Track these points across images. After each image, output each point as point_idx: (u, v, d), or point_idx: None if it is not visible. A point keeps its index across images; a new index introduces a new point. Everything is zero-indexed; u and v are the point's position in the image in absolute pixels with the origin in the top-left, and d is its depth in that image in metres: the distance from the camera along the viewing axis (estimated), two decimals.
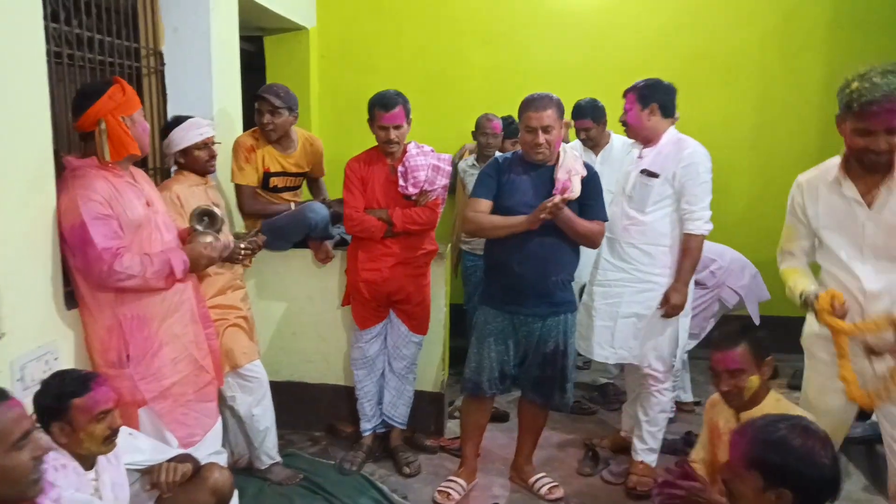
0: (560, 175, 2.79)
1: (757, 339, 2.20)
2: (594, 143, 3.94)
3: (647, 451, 3.16)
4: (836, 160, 2.31)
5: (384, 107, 3.09)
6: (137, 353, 2.32)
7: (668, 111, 3.00)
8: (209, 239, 2.51)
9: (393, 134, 3.11)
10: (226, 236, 2.72)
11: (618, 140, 3.95)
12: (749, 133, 4.79)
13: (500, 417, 3.76)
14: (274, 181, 3.39)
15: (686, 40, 4.70)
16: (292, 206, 3.40)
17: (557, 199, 2.68)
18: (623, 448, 3.44)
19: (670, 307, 2.97)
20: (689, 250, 2.95)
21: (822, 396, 2.36)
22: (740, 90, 4.73)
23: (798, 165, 4.69)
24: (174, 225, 2.55)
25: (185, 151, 2.85)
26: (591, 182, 2.85)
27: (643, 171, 2.98)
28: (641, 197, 2.99)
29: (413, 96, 3.27)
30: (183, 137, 2.84)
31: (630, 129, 3.10)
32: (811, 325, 2.38)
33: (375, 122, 3.13)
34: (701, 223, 2.93)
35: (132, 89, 2.35)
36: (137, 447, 2.16)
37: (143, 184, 2.44)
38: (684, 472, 2.21)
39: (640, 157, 3.04)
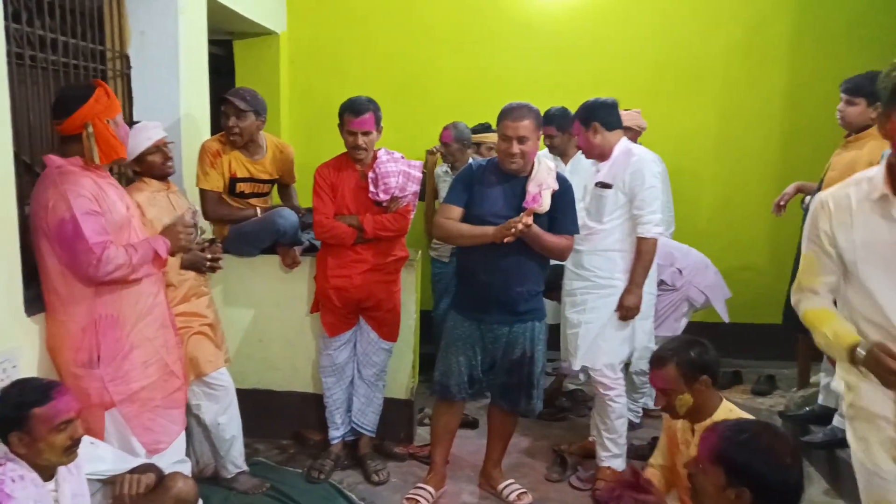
0: (531, 188, 2.81)
1: (687, 358, 2.19)
2: (560, 151, 3.95)
3: (611, 457, 3.20)
4: (871, 172, 1.87)
5: (354, 112, 3.08)
6: (108, 354, 2.30)
7: (611, 125, 3.09)
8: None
9: (361, 140, 3.09)
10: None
11: None
12: (714, 143, 4.88)
13: (469, 424, 3.77)
14: (241, 187, 3.35)
15: (653, 51, 4.78)
16: (258, 211, 3.36)
17: (520, 225, 2.68)
18: (591, 454, 3.46)
19: (624, 309, 3.05)
20: (640, 253, 3.04)
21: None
22: (706, 101, 4.82)
23: (761, 175, 4.86)
24: (144, 230, 2.53)
25: (139, 158, 2.80)
26: (564, 196, 2.87)
27: (597, 184, 3.09)
28: (598, 208, 3.10)
29: (384, 102, 3.27)
30: (134, 145, 2.77)
31: (586, 153, 3.20)
32: (858, 382, 1.91)
33: (345, 126, 3.12)
34: (650, 226, 3.01)
35: (113, 93, 2.36)
36: (99, 456, 2.12)
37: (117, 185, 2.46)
38: (636, 482, 2.24)
39: (597, 171, 3.14)
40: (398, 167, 3.18)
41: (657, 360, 2.24)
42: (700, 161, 4.85)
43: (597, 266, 3.10)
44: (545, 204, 2.79)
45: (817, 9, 4.69)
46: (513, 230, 2.68)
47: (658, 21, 4.77)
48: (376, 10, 4.95)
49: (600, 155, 3.12)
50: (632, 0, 4.79)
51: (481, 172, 2.92)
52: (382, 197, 3.16)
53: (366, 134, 3.10)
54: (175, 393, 2.51)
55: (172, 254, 2.45)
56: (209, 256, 2.83)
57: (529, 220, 2.70)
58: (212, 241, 2.97)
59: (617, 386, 3.15)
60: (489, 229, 2.77)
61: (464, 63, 4.92)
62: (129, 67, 3.26)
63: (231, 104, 3.22)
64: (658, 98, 4.70)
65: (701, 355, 2.20)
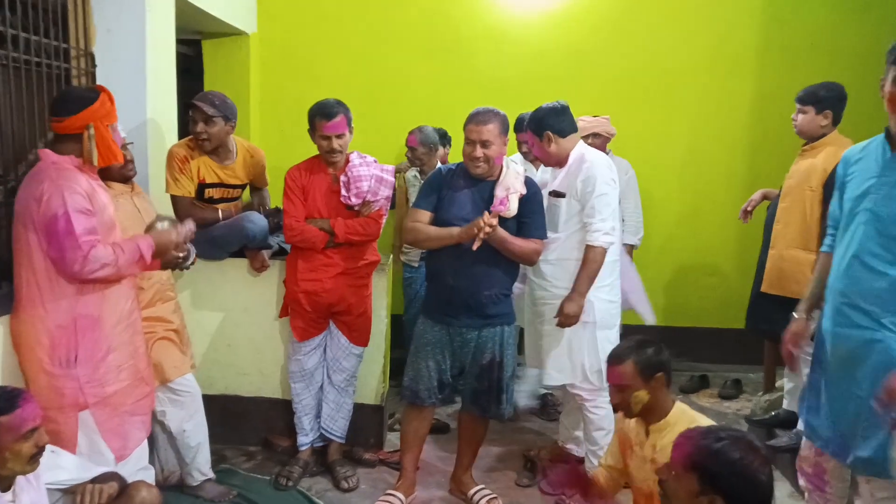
0: (499, 192, 2.82)
1: (646, 357, 2.21)
2: (534, 157, 3.94)
3: (593, 469, 3.17)
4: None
5: (326, 116, 3.05)
6: (86, 355, 2.28)
7: (563, 131, 3.02)
8: (166, 224, 2.51)
9: (336, 143, 3.07)
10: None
11: None
12: (683, 151, 4.94)
13: (440, 429, 3.75)
14: (209, 192, 3.28)
15: (624, 60, 4.83)
16: (220, 213, 3.28)
17: (486, 227, 2.67)
18: (561, 458, 3.47)
19: (563, 316, 2.94)
20: (586, 262, 2.93)
21: None
22: (675, 110, 4.88)
23: (728, 182, 4.94)
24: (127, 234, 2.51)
25: None
26: (532, 200, 2.88)
27: (551, 193, 3.06)
28: (552, 217, 3.04)
29: (355, 106, 3.25)
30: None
31: (544, 163, 3.16)
32: None
33: (317, 131, 3.09)
34: (599, 234, 2.91)
35: (114, 101, 2.39)
36: (59, 465, 2.06)
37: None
38: (582, 479, 2.27)
39: (553, 179, 3.12)
40: (371, 171, 3.16)
41: (615, 357, 2.25)
42: (669, 169, 4.91)
43: (554, 276, 3.05)
44: (512, 208, 2.80)
45: (782, 22, 4.78)
46: (477, 231, 2.67)
47: (628, 30, 4.83)
48: (348, 13, 4.93)
49: (558, 163, 3.08)
50: (601, 9, 4.83)
51: (450, 177, 2.92)
52: (354, 201, 3.14)
53: (339, 137, 3.08)
54: (143, 399, 2.49)
55: (157, 256, 2.40)
56: (180, 255, 2.75)
57: (494, 221, 2.70)
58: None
59: (594, 397, 3.09)
60: (454, 230, 2.78)
61: (435, 68, 4.91)
62: (94, 66, 3.19)
63: (199, 109, 3.13)
64: (628, 106, 4.75)
65: (657, 354, 2.23)
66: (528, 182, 2.90)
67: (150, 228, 2.50)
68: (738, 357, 4.81)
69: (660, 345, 2.27)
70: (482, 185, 2.87)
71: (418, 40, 4.92)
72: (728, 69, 4.84)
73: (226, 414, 3.45)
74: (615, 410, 2.31)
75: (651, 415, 2.24)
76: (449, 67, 4.92)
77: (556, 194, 3.04)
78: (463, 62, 4.91)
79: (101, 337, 2.31)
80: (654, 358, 2.21)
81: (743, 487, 1.60)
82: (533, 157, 3.99)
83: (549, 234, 3.02)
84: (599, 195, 2.92)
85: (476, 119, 2.79)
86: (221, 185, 3.30)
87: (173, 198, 3.24)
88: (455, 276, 2.84)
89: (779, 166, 4.69)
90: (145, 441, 2.54)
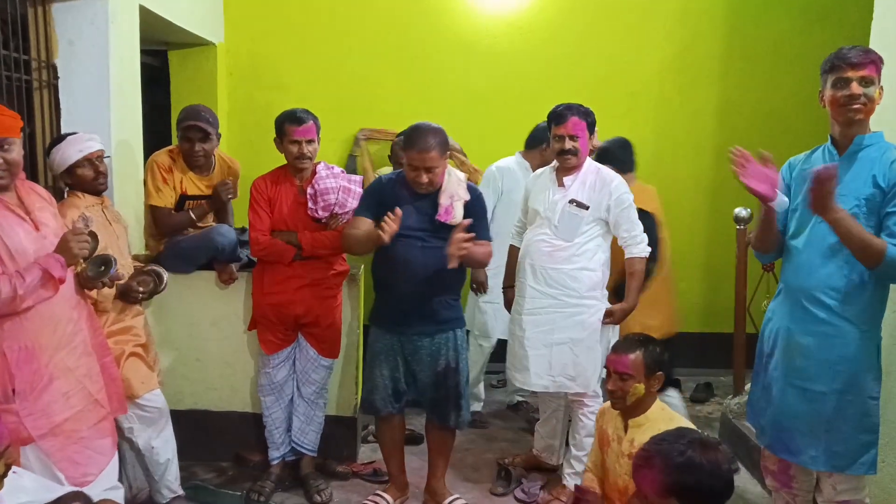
0: (443, 200, 2.82)
1: (653, 354, 2.30)
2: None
3: (573, 475, 3.18)
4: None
5: (296, 121, 3.04)
6: (24, 388, 2.14)
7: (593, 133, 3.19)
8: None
9: (305, 149, 3.06)
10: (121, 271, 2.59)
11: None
12: (650, 158, 4.97)
13: (413, 440, 3.73)
14: (189, 204, 3.27)
15: (590, 69, 4.88)
16: (191, 213, 3.25)
17: (461, 252, 2.66)
18: (535, 466, 3.48)
19: (612, 318, 3.10)
20: (635, 273, 3.08)
21: None
22: (641, 117, 4.94)
23: (695, 188, 5.01)
24: None
25: (70, 171, 2.69)
26: (476, 205, 2.90)
27: (572, 202, 3.06)
28: (570, 227, 3.06)
29: (324, 116, 3.24)
30: (63, 157, 2.67)
31: (577, 161, 3.09)
32: None
33: (286, 137, 3.07)
34: (644, 245, 3.07)
35: (11, 113, 2.18)
36: (21, 486, 1.99)
37: (35, 204, 2.26)
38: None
39: (560, 185, 3.11)
40: (338, 182, 3.14)
41: (626, 346, 2.32)
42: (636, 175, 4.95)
43: (565, 285, 3.06)
44: (458, 216, 2.81)
45: (745, 30, 4.87)
46: (455, 252, 2.66)
47: (594, 40, 4.88)
48: (316, 22, 4.91)
49: (578, 165, 3.11)
50: (568, 19, 4.88)
51: (391, 186, 2.91)
52: (321, 214, 3.11)
53: (309, 143, 3.07)
54: (102, 422, 2.37)
55: (70, 264, 2.23)
56: (141, 289, 2.76)
57: (470, 235, 2.69)
58: (150, 272, 2.87)
59: (594, 403, 3.11)
60: (372, 230, 2.75)
61: (403, 77, 4.92)
62: (56, 78, 3.13)
63: (198, 129, 3.13)
64: (596, 113, 4.79)
65: (662, 354, 2.32)
66: (470, 187, 2.92)
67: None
68: (708, 360, 4.86)
69: (664, 347, 2.35)
70: (426, 195, 2.87)
71: (387, 50, 4.92)
72: (692, 77, 4.92)
73: (195, 429, 3.39)
74: (609, 397, 2.35)
75: (634, 410, 2.30)
76: (417, 77, 4.93)
77: (579, 205, 3.05)
78: (431, 71, 4.92)
79: (39, 367, 2.17)
80: (660, 357, 2.30)
81: (718, 486, 1.69)
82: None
83: (561, 242, 3.06)
84: (628, 206, 3.06)
85: (418, 146, 2.74)
86: (202, 196, 3.29)
87: (153, 208, 3.20)
88: (406, 282, 2.81)
89: None
90: (115, 460, 2.47)
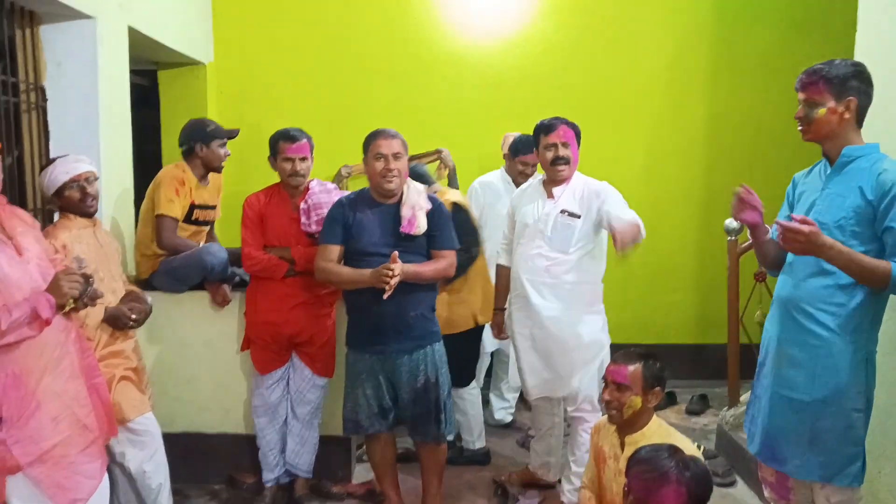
0: (405, 212, 2.83)
1: (653, 367, 2.30)
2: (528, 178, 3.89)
3: (573, 491, 3.16)
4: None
5: (289, 139, 3.07)
6: (12, 415, 2.10)
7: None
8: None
9: (299, 166, 3.07)
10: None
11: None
12: (640, 170, 5.02)
13: (408, 458, 3.69)
14: (197, 213, 3.37)
15: (580, 82, 4.90)
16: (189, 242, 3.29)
17: (394, 280, 2.67)
18: (532, 483, 3.45)
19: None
20: (629, 219, 2.84)
21: None
22: (631, 131, 4.97)
23: (686, 200, 5.02)
24: (53, 270, 2.35)
25: (59, 193, 2.67)
26: (438, 213, 2.90)
27: (563, 212, 3.05)
28: (564, 237, 3.04)
29: (316, 133, 3.24)
30: (52, 179, 2.65)
31: (568, 171, 3.09)
32: None
33: (280, 154, 3.08)
34: (632, 214, 2.88)
35: None
36: None
37: (17, 228, 2.23)
38: None
39: (550, 196, 3.10)
40: (331, 198, 3.14)
41: (630, 357, 2.31)
42: (627, 188, 4.85)
43: (565, 299, 3.04)
44: (421, 225, 2.82)
45: (732, 43, 4.91)
46: (388, 281, 2.66)
47: (583, 53, 4.91)
48: (307, 40, 4.93)
49: (569, 176, 3.10)
50: (557, 35, 4.91)
51: (352, 205, 2.91)
52: (315, 228, 3.11)
53: (303, 160, 3.09)
54: (91, 446, 2.33)
55: (61, 306, 2.19)
56: (133, 316, 2.73)
57: (397, 267, 2.68)
58: (134, 298, 2.84)
59: (593, 418, 3.07)
60: (366, 273, 2.75)
61: (395, 94, 4.93)
62: (44, 100, 3.13)
63: (225, 141, 3.37)
64: (585, 128, 4.75)
65: (662, 370, 2.32)
66: (431, 198, 2.94)
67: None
68: (703, 372, 4.86)
69: (664, 364, 2.35)
70: (387, 208, 2.87)
71: (377, 66, 4.93)
72: (680, 89, 4.95)
73: (188, 452, 3.35)
74: (606, 408, 2.34)
75: (631, 426, 2.29)
76: (408, 93, 4.94)
77: (571, 214, 3.03)
78: (422, 87, 4.93)
79: (26, 393, 2.12)
80: (659, 372, 2.30)
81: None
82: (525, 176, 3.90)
83: (557, 254, 3.04)
84: (614, 193, 3.05)
85: (383, 135, 2.86)
86: (205, 206, 3.41)
87: (160, 218, 3.20)
88: (378, 302, 2.77)
89: (734, 182, 4.76)
90: (105, 486, 2.44)
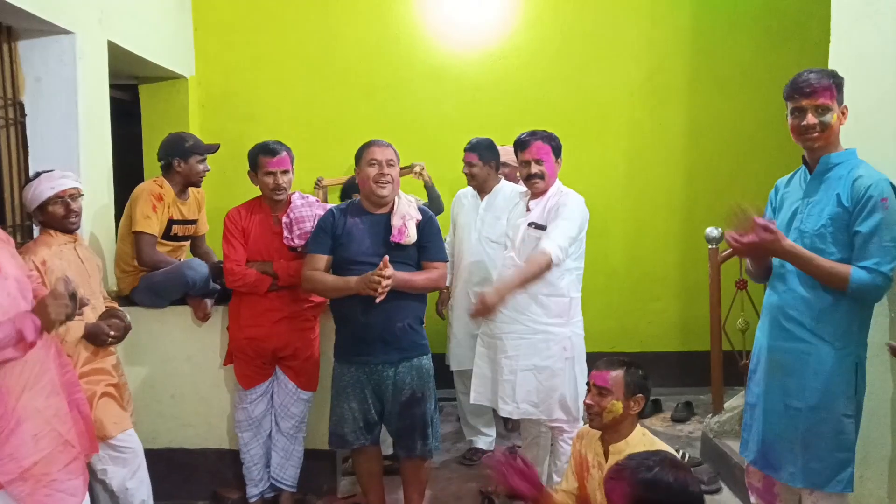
0: (395, 221, 2.84)
1: (635, 374, 2.31)
2: (477, 182, 3.84)
3: None
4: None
5: (270, 152, 3.06)
6: None
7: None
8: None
9: (281, 179, 3.07)
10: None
11: (507, 187, 3.86)
12: (622, 180, 5.06)
13: (395, 470, 3.67)
14: (175, 229, 3.34)
15: (560, 94, 4.94)
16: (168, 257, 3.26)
17: (384, 282, 2.65)
18: (518, 494, 3.44)
19: (481, 305, 2.79)
20: (532, 261, 2.85)
21: None
22: (612, 141, 5.00)
23: (668, 209, 5.06)
24: (32, 288, 2.32)
25: (41, 208, 2.66)
26: (428, 225, 2.91)
27: (531, 224, 3.06)
28: (529, 249, 3.02)
29: (298, 147, 3.25)
30: (35, 194, 2.64)
31: (545, 186, 3.07)
32: None
33: (261, 168, 3.08)
34: (555, 247, 2.83)
35: None
36: None
37: None
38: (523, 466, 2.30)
39: (528, 209, 3.11)
40: (313, 211, 3.14)
41: (611, 362, 2.33)
42: (609, 198, 5.00)
43: (531, 311, 3.03)
44: (411, 235, 2.82)
45: (710, 53, 4.97)
46: (378, 283, 2.65)
47: (564, 65, 4.95)
48: (288, 54, 4.93)
49: (546, 189, 3.08)
50: (537, 47, 4.95)
51: (342, 216, 2.91)
52: (297, 242, 3.10)
53: (284, 173, 3.08)
54: (72, 463, 2.31)
55: (47, 329, 2.17)
56: (112, 333, 2.71)
57: (389, 270, 2.68)
58: (113, 314, 2.82)
59: (572, 428, 3.07)
60: (351, 280, 2.74)
61: (375, 107, 4.94)
62: (23, 115, 3.11)
63: (206, 158, 3.36)
64: (567, 139, 4.78)
65: (645, 378, 2.33)
66: (421, 209, 2.95)
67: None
68: (687, 380, 4.89)
69: (647, 374, 2.36)
70: (377, 218, 2.87)
71: (358, 80, 4.94)
72: (661, 100, 5.00)
73: (171, 468, 3.32)
74: (587, 412, 2.33)
75: (614, 434, 2.30)
76: (389, 106, 4.95)
77: (537, 226, 3.02)
78: (403, 100, 4.95)
79: (6, 411, 2.11)
80: (642, 380, 2.31)
81: (681, 502, 1.70)
82: (478, 184, 3.86)
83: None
84: (567, 210, 2.95)
85: (376, 143, 2.89)
86: (184, 221, 3.38)
87: (138, 235, 3.19)
88: (365, 312, 2.77)
89: (714, 190, 4.88)
90: (86, 500, 2.41)
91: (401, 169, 2.99)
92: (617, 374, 2.28)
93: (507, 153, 3.82)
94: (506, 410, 3.11)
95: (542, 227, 3.02)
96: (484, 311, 2.80)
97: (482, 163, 3.77)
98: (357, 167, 2.91)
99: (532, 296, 3.02)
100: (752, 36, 4.95)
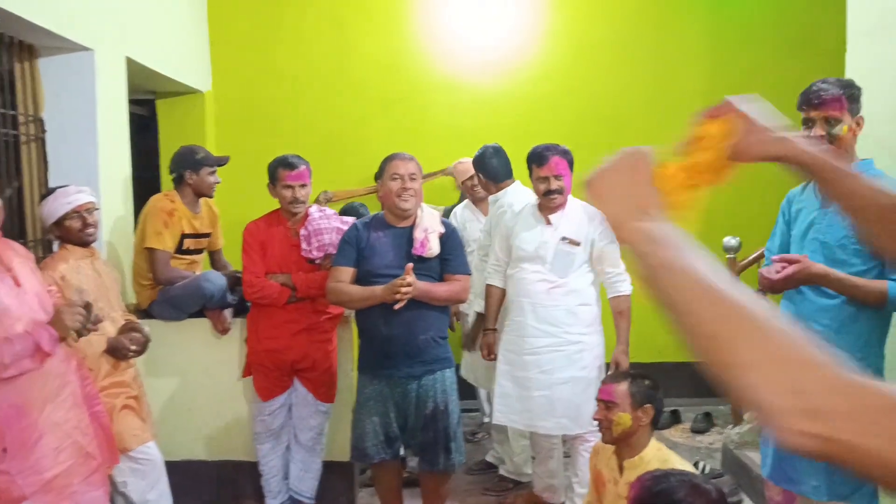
0: (417, 234, 2.84)
1: (641, 385, 2.30)
2: (480, 196, 3.86)
3: None
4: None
5: (288, 166, 3.08)
6: (15, 446, 2.10)
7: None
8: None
9: (299, 192, 3.09)
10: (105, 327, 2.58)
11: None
12: None
13: (414, 483, 3.65)
14: (187, 243, 3.34)
15: (575, 106, 4.94)
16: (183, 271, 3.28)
17: (404, 288, 2.66)
18: None
19: (621, 368, 3.02)
20: (624, 311, 3.09)
21: None
22: None
23: (683, 218, 5.02)
24: (52, 303, 2.35)
25: (58, 223, 2.69)
26: (451, 238, 2.92)
27: (564, 239, 3.08)
28: (564, 263, 3.07)
29: (314, 160, 3.26)
30: (52, 209, 2.67)
31: (562, 200, 3.12)
32: None
33: (280, 182, 3.10)
34: (629, 282, 3.06)
35: None
36: None
37: (13, 261, 2.23)
38: None
39: (548, 222, 3.12)
40: (331, 224, 3.16)
41: (616, 376, 2.36)
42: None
43: (563, 322, 3.04)
44: (433, 248, 2.82)
45: (726, 64, 4.95)
46: (400, 291, 2.66)
47: (578, 76, 4.96)
48: (303, 67, 4.97)
49: (563, 203, 3.13)
50: (551, 59, 4.96)
51: (366, 229, 2.92)
52: (316, 254, 3.12)
53: (302, 186, 3.10)
54: (94, 475, 2.33)
55: (62, 337, 2.22)
56: (133, 347, 2.73)
57: (410, 277, 2.68)
58: (132, 328, 2.83)
59: (595, 439, 3.05)
60: (377, 289, 2.75)
61: (391, 119, 4.96)
62: (43, 131, 3.15)
63: (216, 170, 3.35)
64: (581, 150, 4.80)
65: (652, 388, 2.32)
66: (444, 222, 2.96)
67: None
68: (706, 390, 4.82)
69: (657, 383, 2.36)
70: (400, 231, 2.88)
71: (373, 92, 4.97)
72: (675, 110, 4.97)
73: (190, 480, 3.31)
74: (599, 427, 2.33)
75: (628, 448, 2.28)
76: (404, 118, 4.97)
77: (572, 242, 3.07)
78: (417, 112, 4.97)
79: (29, 424, 2.13)
80: (649, 390, 2.30)
81: None
82: (480, 198, 3.92)
83: (557, 278, 3.06)
84: (612, 241, 3.01)
85: (399, 157, 2.89)
86: (196, 235, 3.39)
87: (152, 251, 3.21)
88: (388, 324, 2.78)
89: (731, 200, 4.84)
90: None
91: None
92: (621, 387, 2.29)
93: (467, 167, 3.82)
94: (545, 427, 3.10)
95: (576, 243, 3.06)
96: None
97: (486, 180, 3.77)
98: (380, 180, 2.92)
99: (566, 308, 3.03)
100: (767, 46, 4.94)
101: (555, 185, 3.05)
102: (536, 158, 3.10)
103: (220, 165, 3.45)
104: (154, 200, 3.31)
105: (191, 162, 3.35)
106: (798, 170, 1.09)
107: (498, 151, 3.66)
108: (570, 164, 3.13)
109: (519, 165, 3.99)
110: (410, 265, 2.71)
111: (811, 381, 0.66)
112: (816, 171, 1.07)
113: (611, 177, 0.95)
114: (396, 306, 2.68)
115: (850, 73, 2.75)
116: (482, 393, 4.20)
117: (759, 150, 1.06)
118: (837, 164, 1.06)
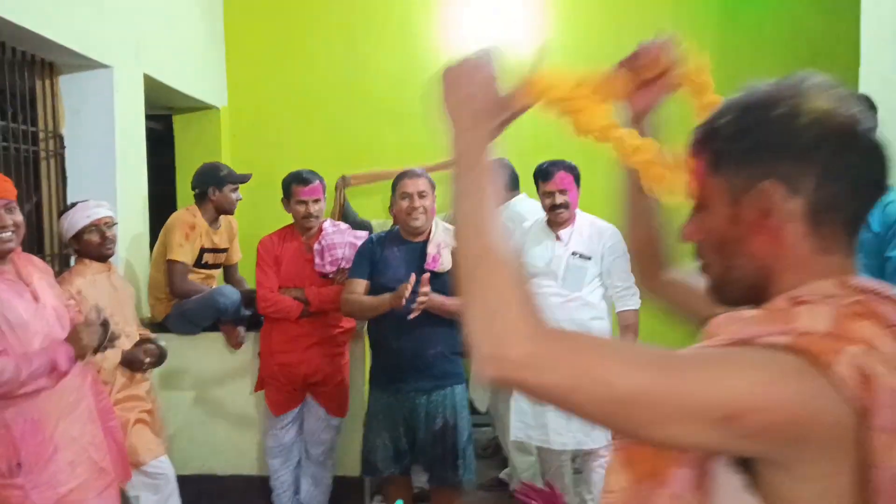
0: (430, 249, 2.86)
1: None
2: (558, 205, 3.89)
3: None
4: None
5: (302, 181, 3.10)
6: (30, 460, 2.11)
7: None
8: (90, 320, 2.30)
9: (312, 208, 3.11)
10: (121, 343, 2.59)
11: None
12: None
13: (424, 498, 3.64)
14: (206, 257, 3.41)
15: None
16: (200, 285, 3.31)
17: (421, 297, 2.66)
18: None
19: None
20: (631, 325, 3.07)
21: None
22: None
23: None
24: (69, 317, 2.38)
25: (77, 237, 2.73)
26: None
27: (575, 254, 3.09)
28: (576, 278, 3.08)
29: (329, 175, 3.29)
30: (71, 223, 2.71)
31: (570, 214, 3.14)
32: None
33: (293, 197, 3.12)
34: (637, 297, 3.03)
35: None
36: None
37: (33, 275, 2.26)
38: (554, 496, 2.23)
39: (558, 237, 3.13)
40: (345, 238, 3.18)
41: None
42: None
43: None
44: (446, 262, 2.82)
45: (737, 76, 4.70)
46: (406, 295, 2.66)
47: None
48: (318, 84, 5.01)
49: (570, 217, 3.14)
50: (564, 66, 4.97)
51: (381, 243, 2.95)
52: (329, 269, 3.14)
53: (316, 202, 3.12)
54: (107, 490, 2.34)
55: (80, 357, 2.24)
56: (148, 360, 2.76)
57: (426, 288, 2.68)
58: (147, 341, 2.86)
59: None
60: (385, 296, 2.75)
61: (405, 134, 4.97)
62: (62, 147, 3.20)
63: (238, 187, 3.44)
64: (591, 162, 4.78)
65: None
66: None
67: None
68: None
69: None
70: (414, 246, 2.89)
71: (387, 108, 5.00)
72: (687, 123, 4.97)
73: (202, 494, 3.33)
74: None
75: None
76: (418, 133, 4.97)
77: (583, 256, 3.09)
78: (431, 128, 4.98)
79: (44, 439, 2.14)
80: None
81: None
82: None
83: (569, 292, 3.07)
84: (622, 255, 3.00)
85: (409, 175, 2.89)
86: (215, 249, 3.44)
87: (171, 263, 3.25)
88: (398, 338, 2.79)
89: None
90: None
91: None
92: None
93: None
94: (559, 442, 3.08)
95: (587, 258, 3.07)
96: None
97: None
98: (392, 197, 2.95)
99: (580, 323, 3.03)
100: (779, 59, 4.91)
101: (560, 199, 3.06)
102: (542, 174, 3.12)
103: (242, 183, 3.50)
104: (177, 215, 3.39)
105: (215, 179, 3.40)
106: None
107: (502, 164, 3.65)
108: (577, 179, 3.13)
109: (526, 179, 4.02)
110: (427, 275, 2.71)
111: (501, 328, 0.74)
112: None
113: (455, 75, 0.97)
114: (411, 316, 2.68)
115: (863, 85, 2.74)
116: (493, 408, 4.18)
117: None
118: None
